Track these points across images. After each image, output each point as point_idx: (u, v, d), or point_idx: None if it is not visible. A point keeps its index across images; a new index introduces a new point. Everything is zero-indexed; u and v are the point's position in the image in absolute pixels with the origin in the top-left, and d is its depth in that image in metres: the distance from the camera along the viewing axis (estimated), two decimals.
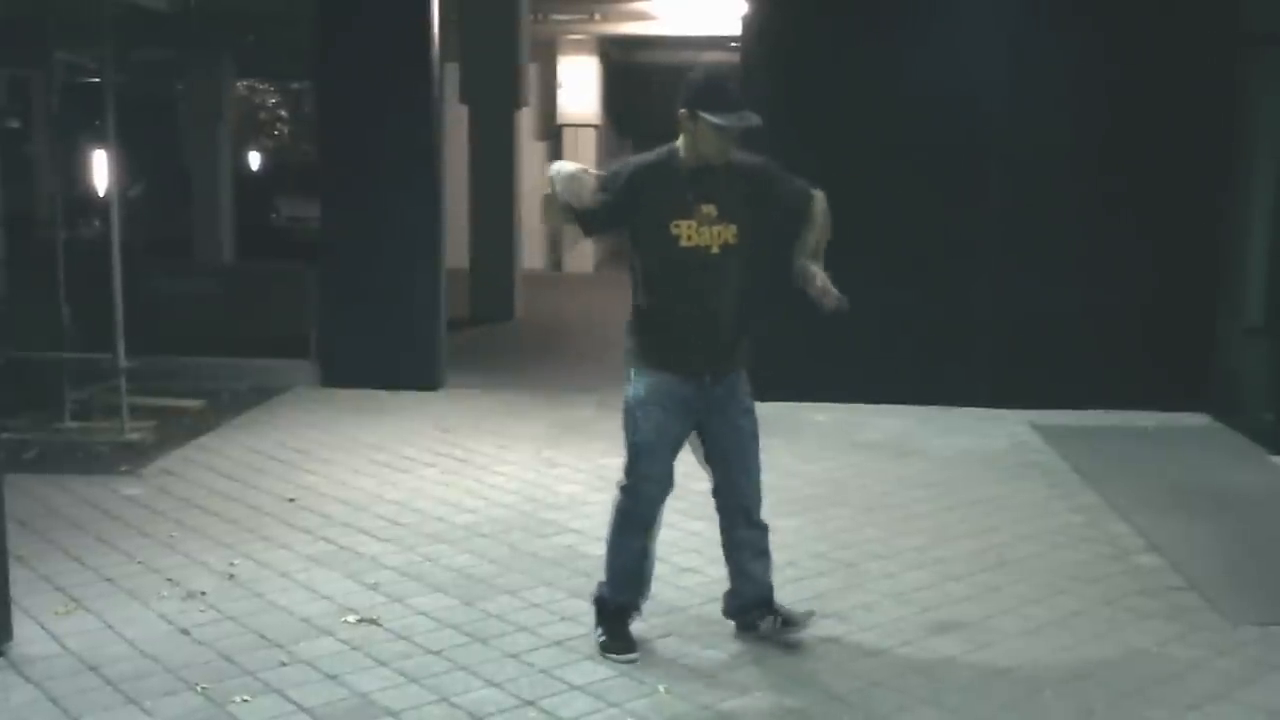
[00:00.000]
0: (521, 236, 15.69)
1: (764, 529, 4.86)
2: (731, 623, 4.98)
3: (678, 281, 4.58)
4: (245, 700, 4.31)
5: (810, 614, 4.92)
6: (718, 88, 4.49)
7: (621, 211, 4.58)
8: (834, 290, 4.50)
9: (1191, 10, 8.96)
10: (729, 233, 4.54)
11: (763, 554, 4.86)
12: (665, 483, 4.71)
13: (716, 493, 4.84)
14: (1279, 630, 5.13)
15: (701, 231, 4.52)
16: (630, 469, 4.68)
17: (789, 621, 4.86)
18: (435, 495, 6.92)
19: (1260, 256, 8.60)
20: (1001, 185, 9.20)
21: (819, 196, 4.69)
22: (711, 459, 4.79)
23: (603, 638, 4.76)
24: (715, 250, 4.54)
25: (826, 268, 4.63)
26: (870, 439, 8.36)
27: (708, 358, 4.62)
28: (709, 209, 4.52)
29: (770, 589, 4.90)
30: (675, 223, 4.52)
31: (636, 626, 4.89)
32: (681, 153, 4.60)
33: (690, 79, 4.60)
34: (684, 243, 4.52)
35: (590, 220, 4.63)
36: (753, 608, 4.89)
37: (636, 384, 4.66)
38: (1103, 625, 5.16)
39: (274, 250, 17.45)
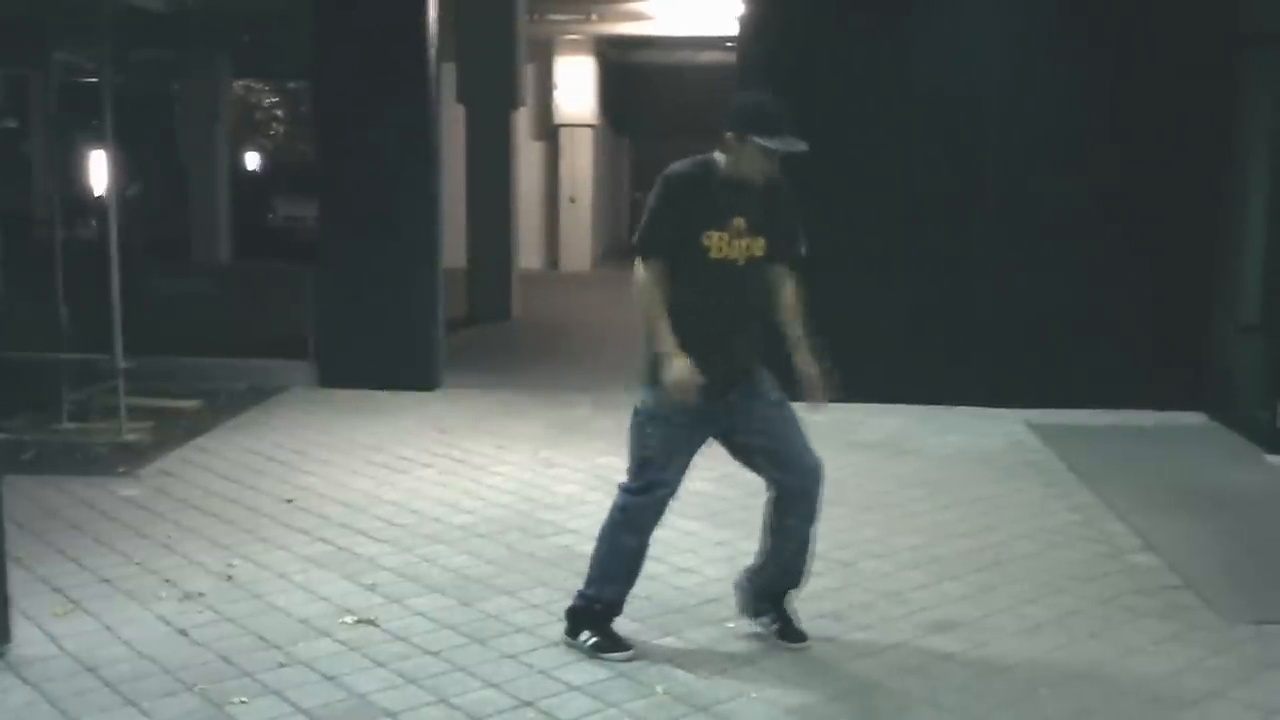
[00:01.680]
0: (518, 236, 15.70)
1: (815, 522, 4.79)
2: (732, 602, 5.02)
3: (704, 293, 4.56)
4: (243, 701, 4.31)
5: (806, 645, 4.85)
6: (769, 114, 4.53)
7: (674, 222, 4.55)
8: (826, 387, 4.60)
9: (1189, 10, 8.97)
10: (757, 245, 4.57)
11: (804, 548, 4.81)
12: (675, 489, 4.71)
13: (771, 488, 4.77)
14: (1275, 629, 5.14)
15: (732, 244, 4.54)
16: (637, 477, 4.66)
17: (786, 635, 4.86)
18: (433, 496, 6.93)
19: (1256, 255, 8.60)
20: (999, 185, 9.21)
21: (791, 291, 4.72)
22: (754, 461, 4.76)
23: (594, 639, 4.73)
24: (741, 263, 4.57)
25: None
26: (868, 438, 8.38)
27: (727, 372, 4.60)
28: (739, 221, 4.54)
29: (796, 587, 4.90)
30: (707, 234, 4.53)
31: (632, 626, 4.90)
32: (721, 167, 4.60)
33: (741, 103, 4.68)
34: (714, 254, 4.54)
35: (648, 243, 4.58)
36: (769, 598, 4.90)
37: (648, 396, 4.61)
38: (1099, 624, 5.17)
39: (271, 250, 17.47)
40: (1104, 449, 8.15)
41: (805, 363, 4.65)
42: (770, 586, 4.89)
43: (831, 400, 4.65)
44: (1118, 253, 9.13)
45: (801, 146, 4.47)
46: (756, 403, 4.68)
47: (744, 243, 4.55)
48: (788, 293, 4.73)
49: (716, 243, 4.52)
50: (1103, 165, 9.14)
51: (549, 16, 17.46)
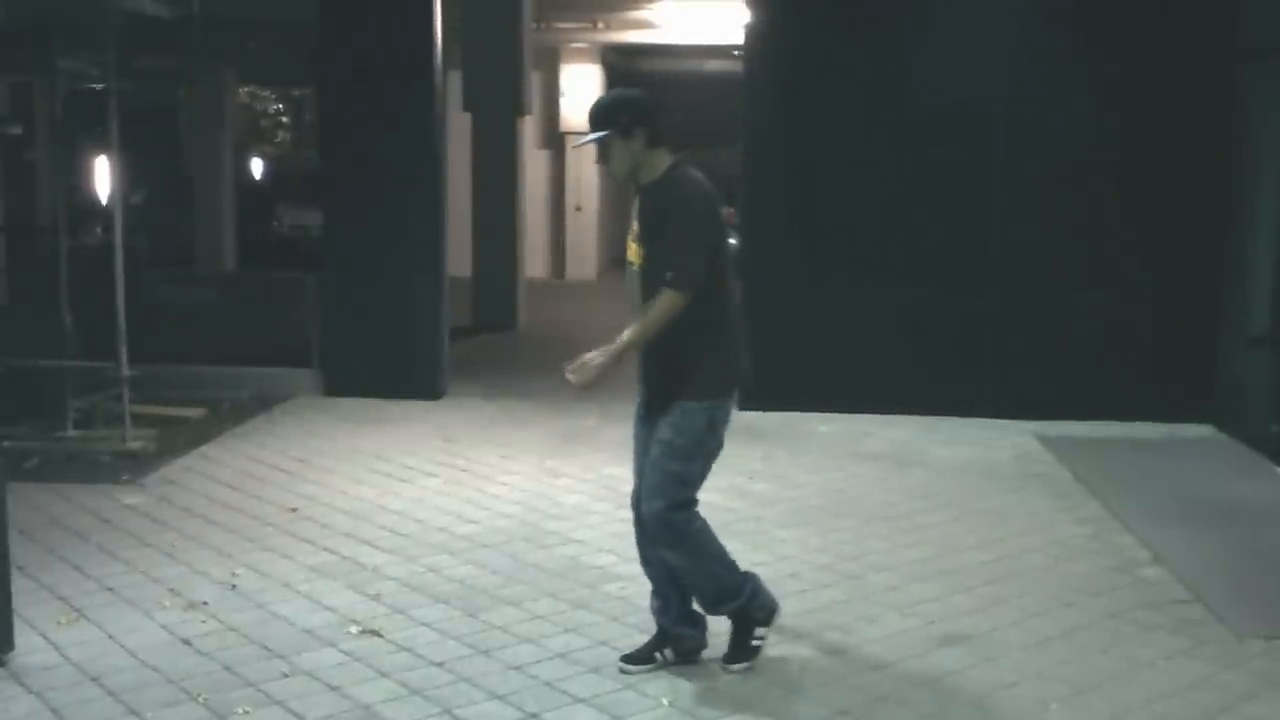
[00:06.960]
0: (524, 244, 15.69)
1: (668, 556, 4.60)
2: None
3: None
4: (247, 712, 4.30)
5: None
6: None
7: None
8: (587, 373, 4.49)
9: (1195, 21, 8.96)
10: (639, 255, 4.60)
11: (674, 575, 4.67)
12: (638, 484, 4.70)
13: None
14: None
15: (630, 245, 4.66)
16: None
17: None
18: (438, 505, 6.90)
19: (1265, 266, 8.58)
20: (1005, 195, 9.18)
21: (664, 302, 4.43)
22: None
23: None
24: (635, 267, 4.64)
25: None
26: (874, 449, 8.34)
27: (643, 368, 4.67)
28: (635, 227, 4.65)
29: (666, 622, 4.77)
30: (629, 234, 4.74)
31: (638, 639, 4.86)
32: None
33: None
34: (628, 255, 4.67)
35: None
36: (686, 618, 4.79)
37: None
38: (1108, 638, 5.14)
39: (276, 258, 17.44)
40: (1112, 461, 8.11)
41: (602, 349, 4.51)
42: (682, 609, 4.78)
43: (581, 380, 4.48)
44: (1126, 264, 9.10)
45: (582, 141, 4.59)
46: (658, 427, 4.58)
47: (634, 248, 4.63)
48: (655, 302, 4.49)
49: (628, 243, 4.68)
50: (1110, 176, 9.11)
51: (555, 24, 17.45)
